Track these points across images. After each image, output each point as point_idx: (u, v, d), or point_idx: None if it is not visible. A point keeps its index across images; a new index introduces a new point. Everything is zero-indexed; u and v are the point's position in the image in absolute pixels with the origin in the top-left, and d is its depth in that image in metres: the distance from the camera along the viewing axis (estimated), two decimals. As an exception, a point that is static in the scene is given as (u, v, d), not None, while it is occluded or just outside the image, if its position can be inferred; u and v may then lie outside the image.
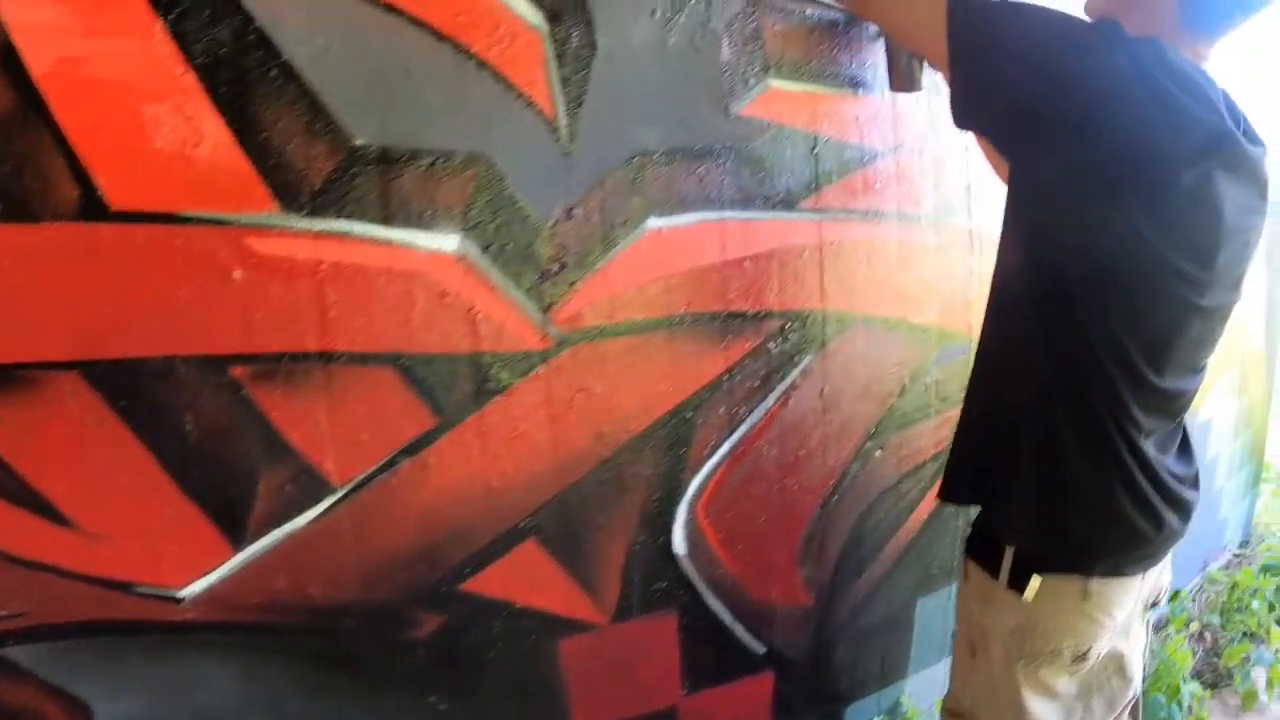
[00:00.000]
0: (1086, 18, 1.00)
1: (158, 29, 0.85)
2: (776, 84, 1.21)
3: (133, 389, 0.85)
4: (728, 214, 1.19)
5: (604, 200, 1.11)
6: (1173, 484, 1.02)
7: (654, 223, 1.13)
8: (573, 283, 1.11)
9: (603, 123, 1.11)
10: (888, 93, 1.37)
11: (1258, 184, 0.98)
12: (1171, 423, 1.05)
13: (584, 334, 1.13)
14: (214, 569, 0.94)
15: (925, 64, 1.29)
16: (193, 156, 0.89)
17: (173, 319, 0.87)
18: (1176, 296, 0.94)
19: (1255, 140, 0.97)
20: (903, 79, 1.27)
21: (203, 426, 0.91)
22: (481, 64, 1.06)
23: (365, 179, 0.99)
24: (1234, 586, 2.80)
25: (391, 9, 1.01)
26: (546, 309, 1.10)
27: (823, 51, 1.29)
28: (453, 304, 1.05)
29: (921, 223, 1.44)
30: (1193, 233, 0.91)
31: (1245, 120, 0.97)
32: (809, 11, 1.26)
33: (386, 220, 1.00)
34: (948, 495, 1.11)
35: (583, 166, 1.10)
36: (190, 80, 0.89)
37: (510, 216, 1.07)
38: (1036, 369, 0.98)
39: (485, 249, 1.06)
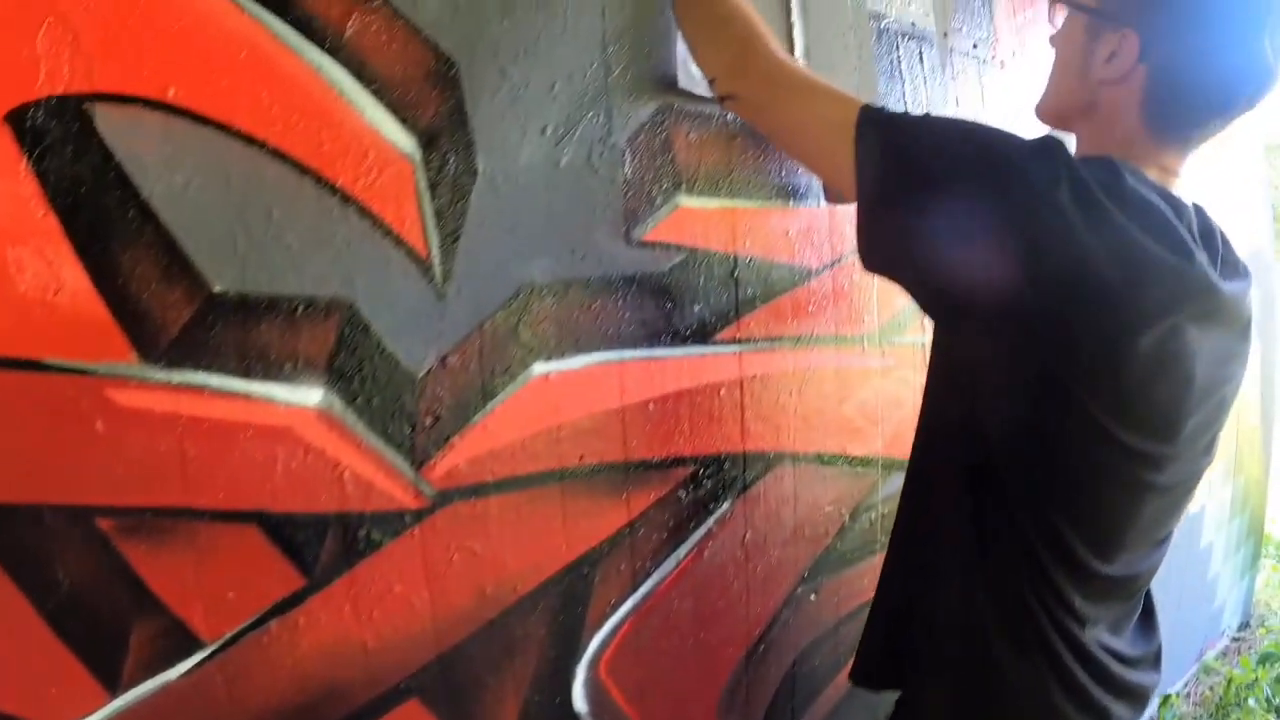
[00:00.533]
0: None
1: (21, 166, 0.77)
2: (689, 201, 1.09)
3: (5, 534, 0.78)
4: (628, 353, 1.06)
5: (482, 346, 0.99)
6: (1122, 672, 0.88)
7: (540, 368, 1.02)
8: (448, 437, 0.99)
9: (482, 259, 1.00)
10: (824, 203, 1.25)
11: (1237, 326, 0.85)
12: (1126, 605, 0.92)
13: (462, 491, 1.01)
14: (90, 714, 0.83)
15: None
16: (53, 303, 0.80)
17: (41, 467, 0.80)
18: (1129, 480, 0.81)
19: (1235, 273, 0.84)
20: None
21: (74, 575, 0.82)
22: (347, 199, 0.95)
23: (223, 328, 0.89)
24: (1230, 682, 2.64)
25: (254, 141, 0.91)
26: (419, 466, 0.98)
27: (746, 160, 1.18)
28: (317, 461, 0.94)
29: (864, 344, 1.31)
30: (1152, 404, 0.78)
31: (1224, 245, 0.84)
32: (730, 115, 1.14)
33: (245, 373, 0.90)
34: (857, 678, 0.98)
35: (458, 310, 0.98)
36: (51, 222, 0.79)
37: (378, 367, 0.96)
38: (959, 544, 0.84)
39: (351, 402, 0.95)
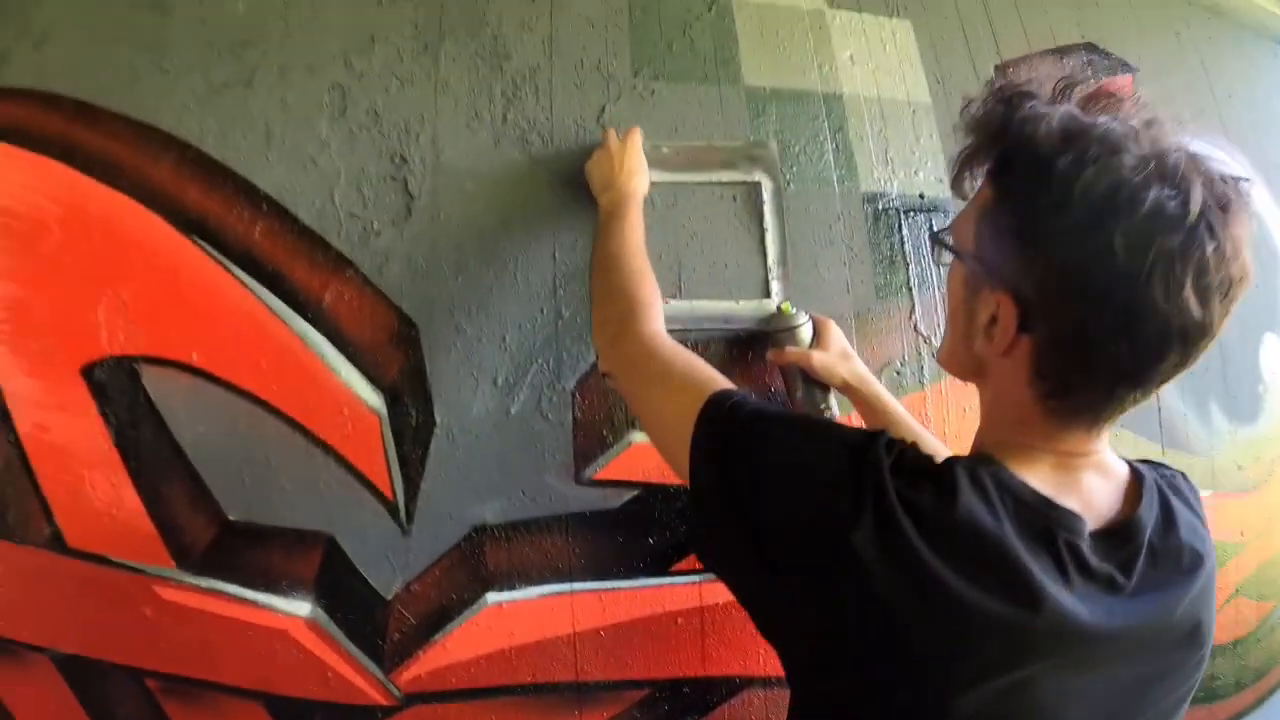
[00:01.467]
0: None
1: (93, 409, 1.07)
2: (642, 438, 1.12)
3: (80, 680, 1.08)
4: (578, 585, 1.13)
5: (440, 577, 1.12)
6: None
7: (493, 598, 1.12)
8: (413, 651, 1.14)
9: (440, 502, 1.12)
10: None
11: (1160, 651, 0.68)
12: None
13: (425, 696, 1.15)
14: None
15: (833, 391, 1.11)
16: (116, 516, 1.08)
17: (108, 634, 1.08)
18: None
19: (1166, 583, 0.67)
20: (803, 408, 1.10)
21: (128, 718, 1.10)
22: (327, 448, 1.12)
23: (236, 548, 1.11)
24: None
25: (255, 399, 1.11)
26: (389, 671, 1.14)
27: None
28: (307, 659, 1.14)
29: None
30: None
31: (1157, 545, 0.67)
32: (689, 339, 1.13)
33: (252, 584, 1.12)
34: None
35: (420, 545, 1.12)
36: (114, 455, 1.07)
37: (354, 589, 1.13)
38: None
39: (333, 615, 1.13)
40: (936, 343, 1.30)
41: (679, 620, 1.18)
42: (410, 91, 1.19)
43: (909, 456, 0.65)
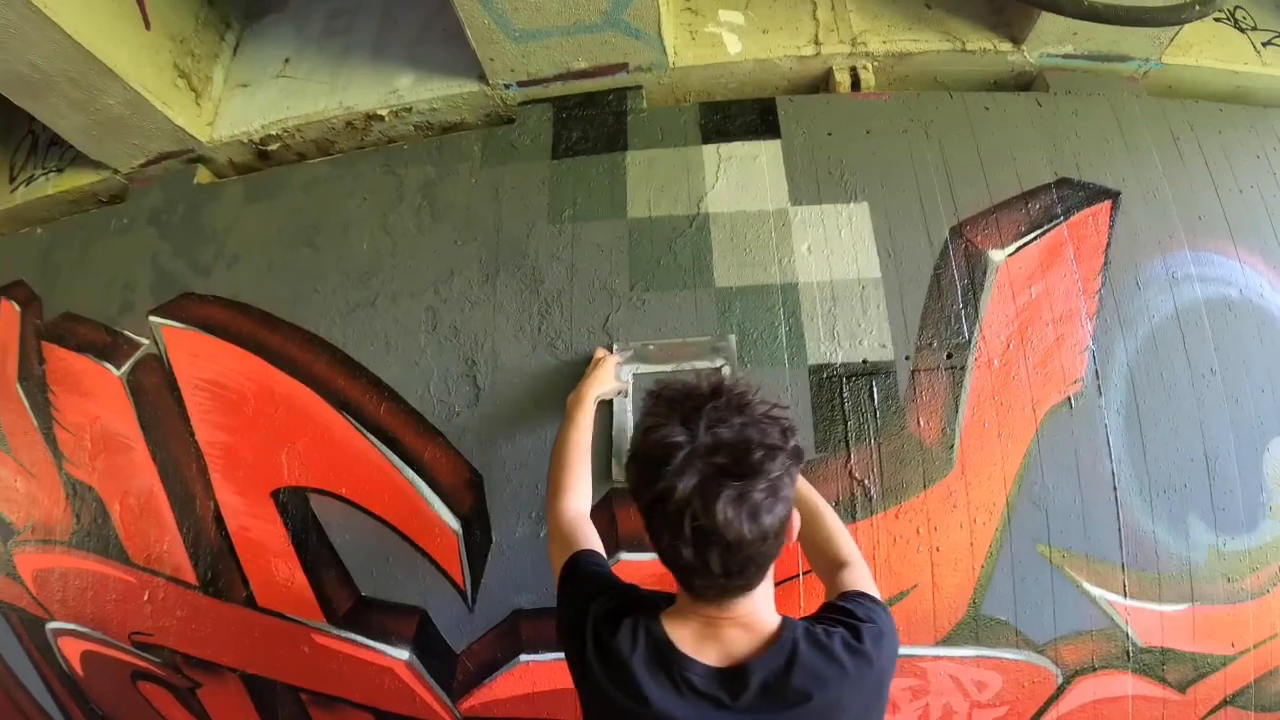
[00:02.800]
0: None
1: (277, 519, 1.83)
2: (629, 556, 1.65)
3: (257, 692, 1.86)
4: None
5: (491, 641, 1.72)
6: None
7: (524, 658, 1.70)
8: (471, 688, 1.74)
9: (493, 592, 1.72)
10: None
11: None
12: None
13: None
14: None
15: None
16: (288, 587, 1.76)
17: (281, 663, 1.85)
18: None
19: (788, 703, 0.98)
20: None
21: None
22: (424, 553, 1.76)
23: (365, 612, 1.77)
24: None
25: (380, 519, 1.78)
26: (455, 701, 1.76)
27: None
28: (403, 687, 1.78)
29: None
30: None
31: (764, 687, 0.98)
32: None
33: (372, 637, 1.78)
34: None
35: (479, 619, 1.74)
36: (291, 549, 1.77)
37: (436, 645, 1.75)
38: None
39: (422, 661, 1.76)
40: (870, 486, 1.69)
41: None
42: (478, 312, 1.80)
43: (607, 610, 1.09)
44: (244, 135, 1.96)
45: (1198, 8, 1.78)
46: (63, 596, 1.89)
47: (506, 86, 1.93)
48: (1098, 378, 1.75)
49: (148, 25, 1.71)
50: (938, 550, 1.67)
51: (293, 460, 1.82)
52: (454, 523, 1.74)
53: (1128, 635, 1.69)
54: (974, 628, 1.67)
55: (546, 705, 1.73)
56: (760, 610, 1.03)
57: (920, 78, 2.04)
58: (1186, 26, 1.97)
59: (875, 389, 1.73)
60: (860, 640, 1.04)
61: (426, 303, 1.85)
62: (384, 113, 1.96)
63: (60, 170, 2.02)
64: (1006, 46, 1.98)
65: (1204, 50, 2.06)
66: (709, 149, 1.89)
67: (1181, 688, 1.74)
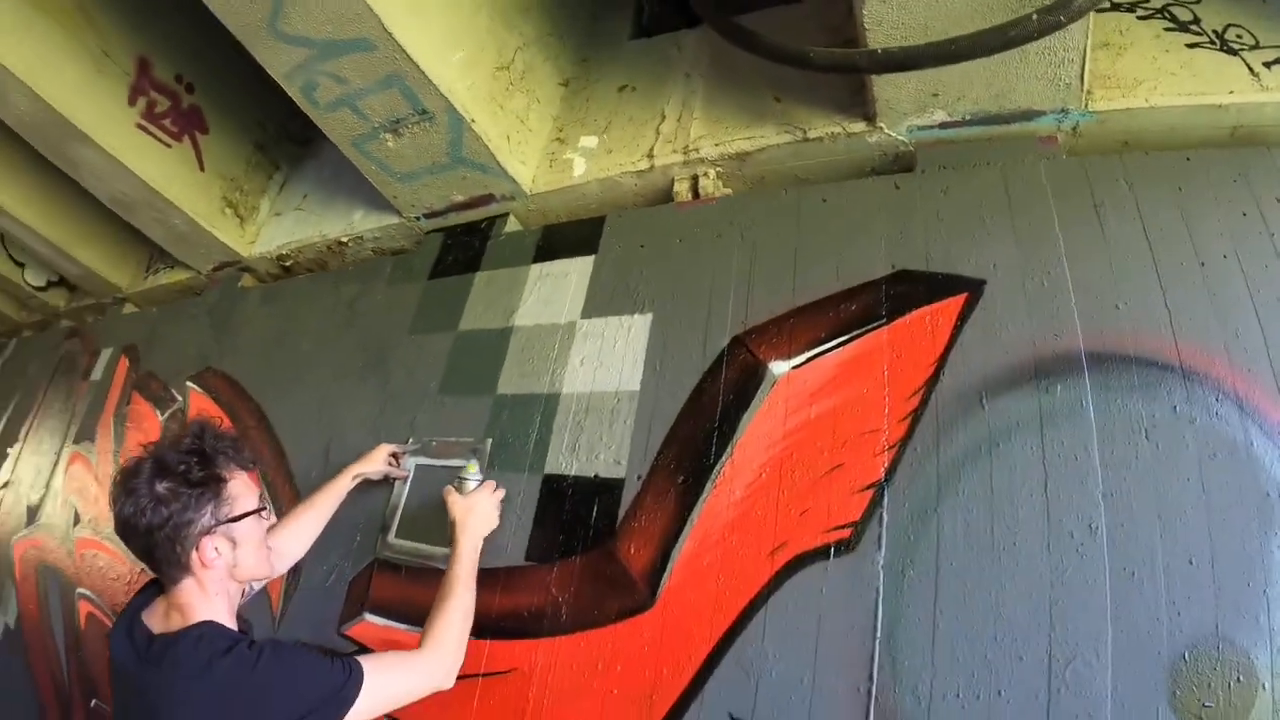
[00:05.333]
0: None
1: None
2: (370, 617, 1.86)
3: None
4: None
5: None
6: None
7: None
8: None
9: (291, 617, 2.03)
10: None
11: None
12: None
13: None
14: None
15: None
16: None
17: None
18: None
19: (149, 660, 1.21)
20: None
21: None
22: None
23: None
24: None
25: None
26: None
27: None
28: None
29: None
30: None
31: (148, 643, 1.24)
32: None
33: None
34: None
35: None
36: None
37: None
38: None
39: None
40: (563, 605, 1.64)
41: None
42: (345, 404, 2.29)
43: None
44: (271, 253, 2.77)
45: (1036, 19, 1.41)
46: (89, 570, 2.72)
47: (416, 218, 2.43)
48: (881, 524, 1.44)
49: (201, 167, 2.63)
50: (613, 693, 1.55)
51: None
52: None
53: None
54: (638, 794, 1.48)
55: None
56: (187, 603, 1.28)
57: (777, 177, 1.99)
58: (1130, 56, 1.66)
59: (597, 506, 1.71)
60: (229, 660, 1.20)
61: (322, 393, 2.36)
62: (346, 240, 2.60)
63: (172, 267, 3.07)
64: (859, 127, 1.82)
65: (1166, 85, 1.63)
66: (535, 268, 2.13)
67: None
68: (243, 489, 1.35)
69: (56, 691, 2.74)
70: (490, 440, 1.91)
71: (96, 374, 3.23)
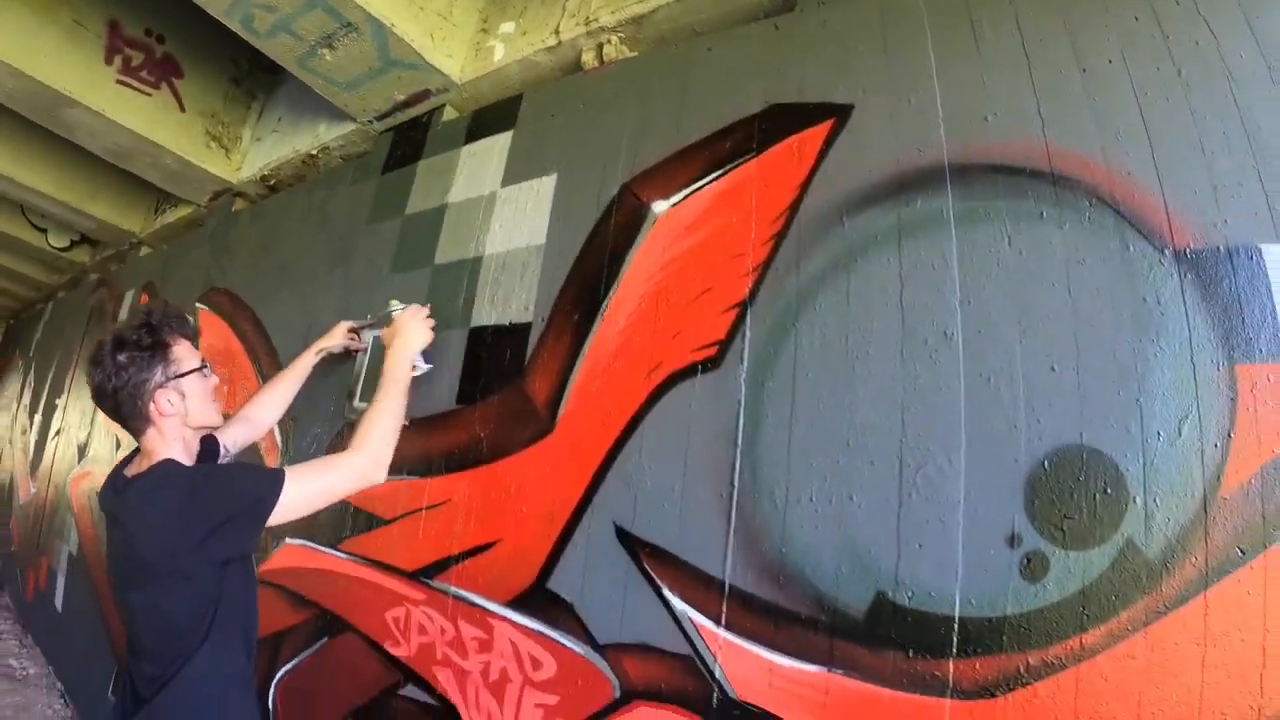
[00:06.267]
0: None
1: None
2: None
3: None
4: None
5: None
6: None
7: (289, 540, 2.27)
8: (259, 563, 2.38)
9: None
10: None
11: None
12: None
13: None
14: None
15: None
16: None
17: None
18: None
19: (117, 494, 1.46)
20: None
21: None
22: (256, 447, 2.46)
23: None
24: None
25: None
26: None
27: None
28: None
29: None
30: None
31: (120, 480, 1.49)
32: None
33: None
34: None
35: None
36: None
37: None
38: None
39: None
40: (484, 439, 1.85)
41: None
42: (319, 293, 2.54)
43: None
44: (256, 176, 3.02)
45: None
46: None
47: (369, 122, 2.61)
48: (744, 341, 1.54)
49: (182, 109, 2.88)
50: (524, 511, 1.74)
51: (229, 398, 2.72)
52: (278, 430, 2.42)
53: (714, 677, 1.43)
54: (539, 600, 1.69)
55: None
56: (152, 449, 1.53)
57: (676, 34, 2.05)
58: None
59: (510, 350, 1.88)
60: (179, 479, 1.44)
61: (301, 290, 2.61)
62: (315, 152, 2.81)
63: (175, 205, 3.38)
64: (744, -28, 1.84)
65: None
66: (465, 149, 2.28)
67: None
68: (186, 353, 1.58)
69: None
70: (429, 305, 2.10)
71: (122, 315, 3.62)
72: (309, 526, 2.24)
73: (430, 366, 1.99)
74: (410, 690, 1.89)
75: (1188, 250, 1.24)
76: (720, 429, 1.52)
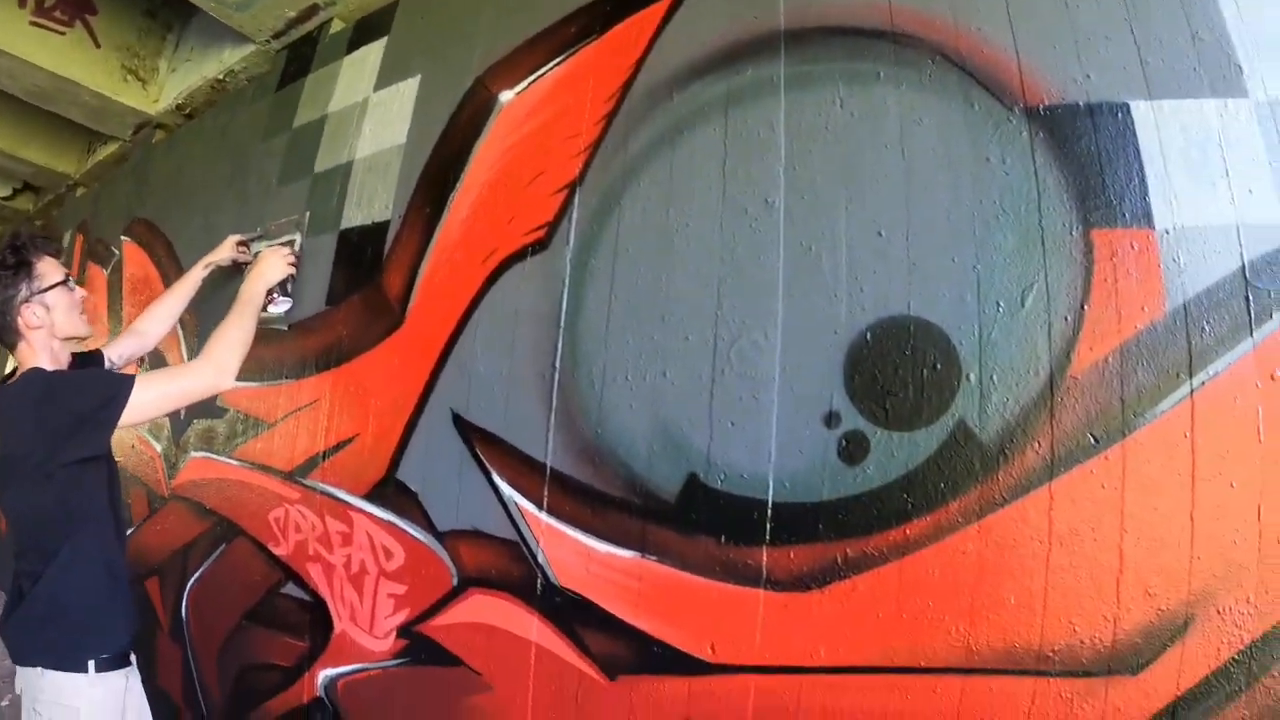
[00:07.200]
0: None
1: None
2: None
3: None
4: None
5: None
6: None
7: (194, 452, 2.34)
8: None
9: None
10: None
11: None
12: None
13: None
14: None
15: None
16: None
17: None
18: None
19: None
20: None
21: None
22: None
23: None
24: None
25: None
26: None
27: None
28: None
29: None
30: None
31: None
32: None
33: None
34: None
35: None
36: None
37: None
38: None
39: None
40: (344, 337, 1.86)
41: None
42: (221, 209, 2.55)
43: None
44: (172, 106, 3.03)
45: None
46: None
47: (266, 42, 2.60)
48: (571, 222, 1.52)
49: (97, 45, 2.88)
50: (378, 405, 1.77)
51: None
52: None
53: (538, 562, 1.45)
54: (389, 491, 1.73)
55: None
56: (24, 360, 1.59)
57: None
58: None
59: (371, 248, 1.90)
60: (40, 380, 1.49)
61: (205, 212, 2.63)
62: (223, 76, 2.81)
63: (105, 143, 3.40)
64: None
65: None
66: (346, 59, 2.27)
67: (610, 669, 1.35)
68: (50, 269, 1.62)
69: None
70: (308, 213, 2.11)
71: (62, 258, 3.71)
72: (208, 438, 2.30)
73: (290, 302, 2.04)
74: (290, 588, 1.95)
75: (1041, 107, 1.15)
76: (547, 311, 1.52)
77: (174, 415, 2.45)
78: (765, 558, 1.22)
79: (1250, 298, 1.03)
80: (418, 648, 1.64)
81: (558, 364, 1.49)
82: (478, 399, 1.59)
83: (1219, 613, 1.00)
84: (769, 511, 1.22)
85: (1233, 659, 0.99)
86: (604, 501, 1.38)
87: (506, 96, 1.74)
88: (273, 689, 1.99)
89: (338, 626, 1.81)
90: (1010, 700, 1.07)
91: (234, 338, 1.71)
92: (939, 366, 1.13)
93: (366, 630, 1.74)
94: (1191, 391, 1.02)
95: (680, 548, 1.29)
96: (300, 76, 2.42)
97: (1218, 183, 1.05)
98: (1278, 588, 0.98)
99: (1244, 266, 1.02)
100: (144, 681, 1.52)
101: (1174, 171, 1.08)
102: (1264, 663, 0.98)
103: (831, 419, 1.19)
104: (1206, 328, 1.03)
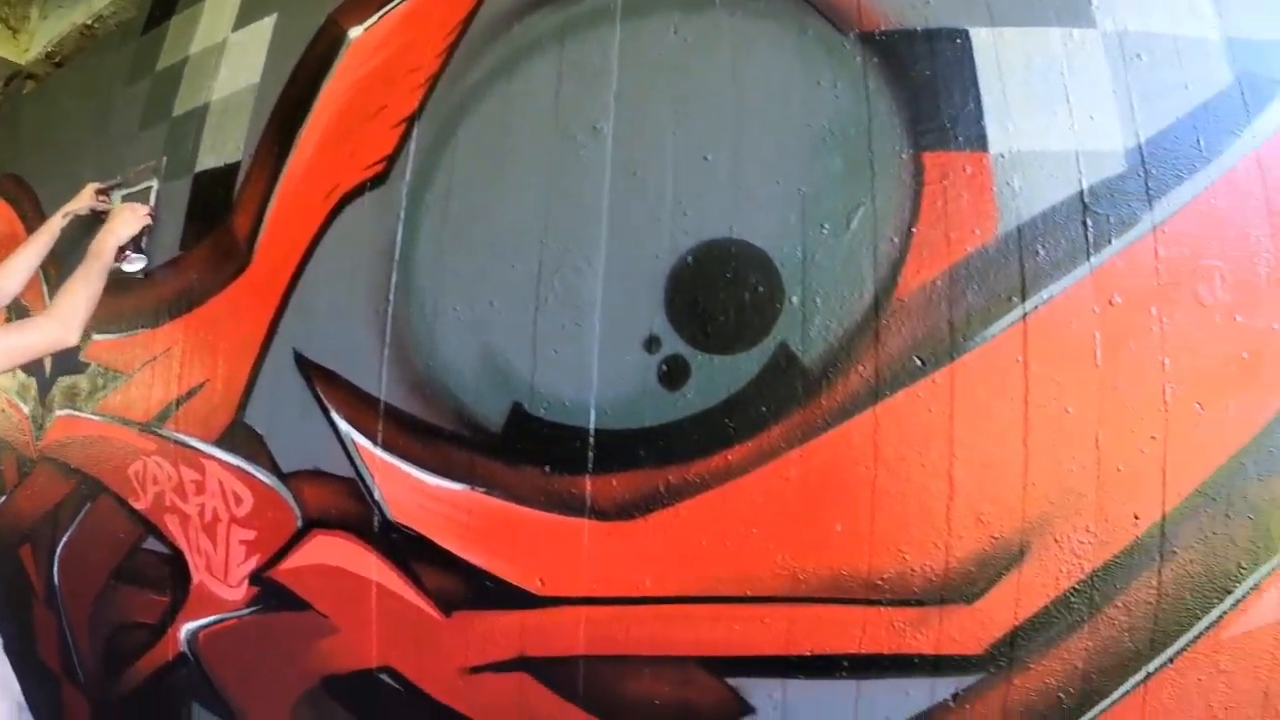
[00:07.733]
0: None
1: None
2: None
3: None
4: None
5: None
6: None
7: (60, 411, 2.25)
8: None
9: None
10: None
11: None
12: None
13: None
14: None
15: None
16: None
17: None
18: None
19: None
20: None
21: None
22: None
23: None
24: None
25: None
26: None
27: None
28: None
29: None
30: None
31: None
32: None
33: None
34: None
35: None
36: None
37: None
38: None
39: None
40: (195, 284, 1.83)
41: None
42: (88, 154, 2.41)
43: None
44: (42, 54, 2.88)
45: None
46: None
47: (137, -17, 2.48)
48: (408, 155, 1.49)
49: None
50: (226, 347, 1.73)
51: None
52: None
53: (374, 499, 1.43)
54: (239, 435, 1.70)
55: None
56: None
57: None
58: None
59: (222, 189, 1.84)
60: None
61: (71, 161, 2.51)
62: (91, 22, 2.68)
63: None
64: None
65: None
66: (209, 1, 2.17)
67: (446, 605, 1.34)
68: None
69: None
70: (164, 158, 2.04)
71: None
72: (72, 395, 2.22)
73: (145, 259, 1.98)
74: (150, 542, 1.91)
75: (877, 33, 1.16)
76: (383, 245, 1.51)
77: (40, 374, 2.36)
78: (589, 487, 1.22)
79: (1089, 223, 1.06)
80: (268, 594, 1.62)
81: (391, 297, 1.47)
82: (319, 337, 1.57)
83: (1056, 541, 1.01)
84: (591, 440, 1.22)
85: (1073, 589, 1.01)
86: (435, 434, 1.38)
87: (356, 32, 1.69)
88: (141, 647, 1.95)
89: (195, 577, 1.77)
90: (840, 629, 1.08)
91: (79, 293, 1.73)
92: (761, 289, 1.13)
93: (222, 579, 1.72)
94: (1024, 315, 1.03)
95: (507, 479, 1.29)
96: (165, 19, 2.32)
97: (1058, 109, 1.07)
98: (1119, 517, 1.02)
99: (1083, 192, 1.05)
100: (23, 655, 1.47)
101: (1012, 97, 1.10)
102: (1106, 593, 1.01)
103: (651, 344, 1.20)
104: (1041, 251, 1.05)
